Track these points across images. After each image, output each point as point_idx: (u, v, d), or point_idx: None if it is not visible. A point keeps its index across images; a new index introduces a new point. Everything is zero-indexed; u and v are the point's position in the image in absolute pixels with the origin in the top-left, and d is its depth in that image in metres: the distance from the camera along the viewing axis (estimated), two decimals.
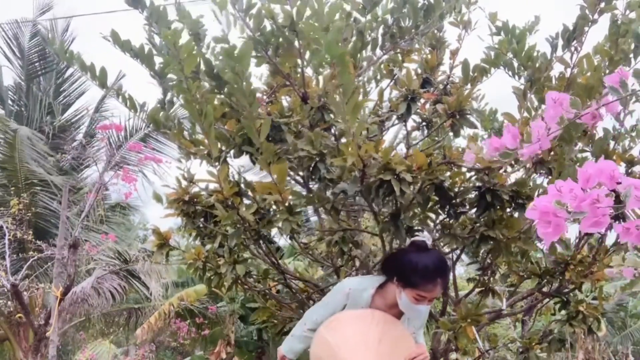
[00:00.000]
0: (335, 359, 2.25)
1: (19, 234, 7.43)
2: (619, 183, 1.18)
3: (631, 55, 2.44)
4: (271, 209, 2.74)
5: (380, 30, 2.97)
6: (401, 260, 2.30)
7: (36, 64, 10.23)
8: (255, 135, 2.35)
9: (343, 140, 2.25)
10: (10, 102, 10.27)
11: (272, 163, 2.43)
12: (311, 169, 2.63)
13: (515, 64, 2.72)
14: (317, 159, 2.58)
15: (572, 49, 2.62)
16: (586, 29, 2.55)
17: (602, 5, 2.50)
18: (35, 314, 8.28)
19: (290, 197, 2.65)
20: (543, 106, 2.52)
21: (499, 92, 3.67)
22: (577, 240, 3.01)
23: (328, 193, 2.70)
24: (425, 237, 2.38)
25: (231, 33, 2.65)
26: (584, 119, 1.41)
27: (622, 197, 1.16)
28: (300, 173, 2.91)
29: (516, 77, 2.73)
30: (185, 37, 2.40)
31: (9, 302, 8.06)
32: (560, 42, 2.65)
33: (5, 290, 7.01)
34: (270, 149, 2.39)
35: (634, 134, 2.58)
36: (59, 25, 9.92)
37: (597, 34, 2.57)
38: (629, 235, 1.21)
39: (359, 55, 2.95)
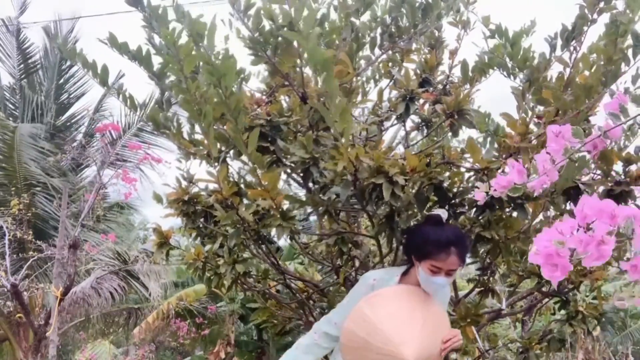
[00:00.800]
0: (379, 336, 2.08)
1: (19, 234, 7.43)
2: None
3: (629, 53, 2.43)
4: (271, 210, 2.73)
5: (379, 30, 2.96)
6: (415, 233, 2.31)
7: (27, 64, 10.23)
8: (243, 147, 2.28)
9: (343, 140, 2.23)
10: (8, 103, 10.28)
11: (263, 171, 2.37)
12: (305, 172, 2.62)
13: (510, 65, 2.71)
14: (310, 163, 2.55)
15: (571, 48, 2.61)
16: (585, 28, 2.55)
17: (602, 5, 2.49)
18: (35, 314, 8.27)
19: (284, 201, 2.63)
20: (540, 107, 2.52)
21: (495, 92, 3.68)
22: None
23: (324, 196, 2.68)
24: (441, 212, 2.33)
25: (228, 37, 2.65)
26: (586, 149, 1.42)
27: (622, 231, 1.12)
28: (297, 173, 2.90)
29: (511, 77, 2.72)
30: (184, 37, 2.39)
31: (9, 302, 8.06)
32: (559, 42, 2.64)
33: (5, 290, 7.00)
34: (260, 159, 2.33)
35: (629, 132, 2.57)
36: (64, 26, 9.96)
37: (596, 33, 2.56)
38: (637, 273, 1.18)
39: (358, 54, 2.94)
